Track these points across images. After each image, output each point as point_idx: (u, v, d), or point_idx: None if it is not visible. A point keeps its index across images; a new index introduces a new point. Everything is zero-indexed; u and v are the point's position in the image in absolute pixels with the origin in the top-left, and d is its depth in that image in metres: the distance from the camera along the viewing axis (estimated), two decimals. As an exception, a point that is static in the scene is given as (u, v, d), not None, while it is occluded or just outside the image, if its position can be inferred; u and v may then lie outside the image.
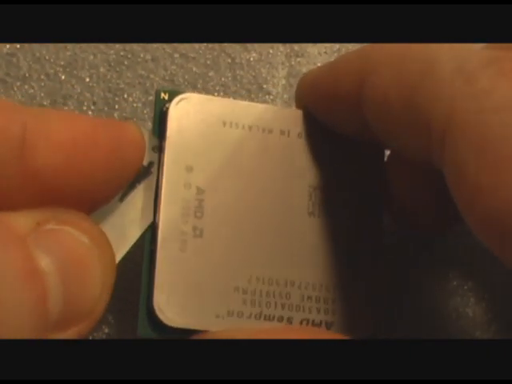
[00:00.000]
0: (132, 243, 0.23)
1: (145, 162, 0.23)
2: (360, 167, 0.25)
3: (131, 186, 0.23)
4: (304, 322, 0.24)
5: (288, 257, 0.24)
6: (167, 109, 0.24)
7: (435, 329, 0.28)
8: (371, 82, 0.22)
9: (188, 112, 0.24)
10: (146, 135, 0.23)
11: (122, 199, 0.23)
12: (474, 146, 0.19)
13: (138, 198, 0.23)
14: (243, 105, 0.25)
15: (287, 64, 0.28)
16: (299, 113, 0.25)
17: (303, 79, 0.26)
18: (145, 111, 0.29)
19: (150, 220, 0.23)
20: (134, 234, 0.23)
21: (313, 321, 0.24)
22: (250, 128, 0.25)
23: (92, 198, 0.21)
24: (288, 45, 0.29)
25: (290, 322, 0.24)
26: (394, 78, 0.21)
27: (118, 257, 0.22)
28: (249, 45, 0.29)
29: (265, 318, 0.24)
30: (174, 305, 0.23)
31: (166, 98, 0.25)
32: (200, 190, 0.24)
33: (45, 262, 0.19)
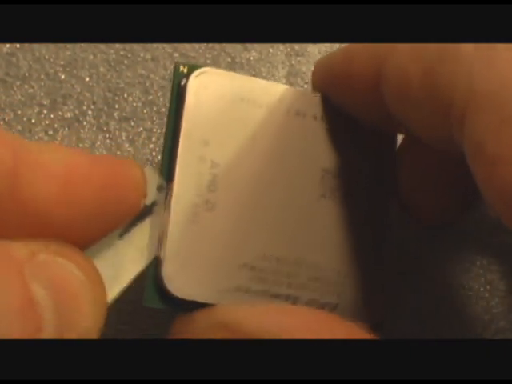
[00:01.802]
0: (127, 283, 0.22)
1: (148, 202, 0.23)
2: (373, 154, 0.25)
3: (132, 223, 0.23)
4: (310, 302, 0.24)
5: (298, 237, 0.24)
6: (186, 83, 0.24)
7: (435, 328, 0.28)
8: (390, 62, 0.22)
9: (207, 86, 0.24)
10: (152, 174, 0.23)
11: (121, 236, 0.22)
12: (493, 120, 0.19)
13: (138, 237, 0.23)
14: (263, 83, 0.25)
15: (287, 63, 0.28)
16: (317, 96, 0.25)
17: (319, 62, 0.26)
18: (145, 111, 0.29)
19: (148, 260, 0.23)
20: (129, 273, 0.22)
21: (318, 302, 0.24)
22: (268, 107, 0.25)
23: (85, 234, 0.21)
24: (288, 44, 0.29)
25: (296, 302, 0.24)
26: (413, 57, 0.21)
27: (111, 295, 0.22)
28: (249, 44, 0.29)
29: (271, 296, 0.24)
30: (182, 275, 0.23)
31: (185, 71, 0.25)
32: (215, 164, 0.24)
33: (40, 294, 0.19)
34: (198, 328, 0.22)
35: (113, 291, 0.22)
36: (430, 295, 0.29)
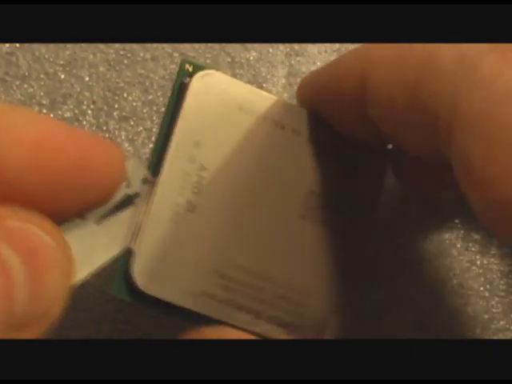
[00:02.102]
0: (95, 268, 0.22)
1: (131, 192, 0.23)
2: (360, 175, 0.25)
3: (112, 211, 0.23)
4: (272, 320, 0.24)
5: (272, 253, 0.24)
6: (189, 82, 0.24)
7: (436, 328, 0.28)
8: (373, 83, 0.22)
9: (209, 89, 0.24)
10: (138, 165, 0.23)
11: (98, 222, 0.22)
12: (480, 136, 0.19)
13: (116, 225, 0.23)
14: (264, 95, 0.25)
15: (287, 63, 0.28)
16: (313, 114, 0.25)
17: (305, 81, 0.26)
18: (144, 110, 0.29)
19: (121, 250, 0.23)
20: (100, 259, 0.22)
21: (281, 320, 0.24)
22: (265, 119, 0.25)
23: (56, 207, 0.21)
24: (288, 44, 0.29)
25: (259, 317, 0.24)
26: (395, 76, 0.21)
27: (79, 277, 0.21)
28: (248, 44, 0.29)
29: (235, 307, 0.24)
30: (151, 272, 0.23)
31: (190, 70, 0.25)
32: (202, 167, 0.24)
33: (8, 254, 0.19)
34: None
35: (81, 273, 0.22)
36: (430, 295, 0.29)
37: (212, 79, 0.24)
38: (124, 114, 0.29)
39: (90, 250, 0.22)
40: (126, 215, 0.23)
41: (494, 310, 0.29)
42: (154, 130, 0.29)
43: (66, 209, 0.21)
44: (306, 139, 0.25)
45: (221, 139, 0.24)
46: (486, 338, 0.28)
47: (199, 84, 0.24)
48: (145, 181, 0.23)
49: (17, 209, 0.19)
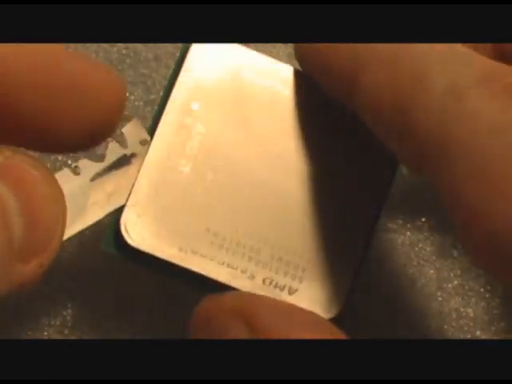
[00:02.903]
0: (89, 224, 0.23)
1: (128, 152, 0.23)
2: (367, 147, 0.25)
3: (107, 169, 0.23)
4: (267, 281, 0.24)
5: (269, 217, 0.24)
6: (187, 50, 0.25)
7: (436, 328, 0.28)
8: (366, 78, 0.21)
9: (209, 55, 0.25)
10: (137, 126, 0.23)
11: (93, 179, 0.23)
12: (469, 170, 0.19)
13: (110, 183, 0.23)
14: (265, 59, 0.25)
15: (289, 63, 0.28)
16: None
17: (303, 50, 0.25)
18: (146, 110, 0.29)
19: (114, 207, 0.23)
20: (93, 215, 0.23)
21: (276, 283, 0.24)
22: (266, 83, 0.25)
23: (55, 134, 0.20)
24: (290, 44, 0.29)
25: (253, 277, 0.24)
26: (386, 83, 0.21)
27: (73, 231, 0.22)
28: (251, 44, 0.29)
29: (228, 266, 0.24)
30: (140, 227, 0.23)
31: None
32: (199, 128, 0.24)
33: (1, 189, 0.19)
34: (219, 312, 0.22)
35: (75, 227, 0.22)
36: (431, 295, 0.29)
37: (211, 47, 0.25)
38: (126, 113, 0.29)
39: (85, 205, 0.22)
40: (120, 174, 0.23)
41: (494, 312, 0.29)
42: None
43: (66, 137, 0.21)
44: (309, 105, 0.25)
45: (220, 103, 0.24)
46: (486, 338, 0.28)
47: (198, 51, 0.25)
48: (143, 142, 0.23)
49: (3, 147, 0.19)
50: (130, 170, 0.23)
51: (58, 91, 0.20)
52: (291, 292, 0.24)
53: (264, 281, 0.24)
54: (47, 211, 0.20)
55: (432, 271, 0.29)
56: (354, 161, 0.25)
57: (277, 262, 0.24)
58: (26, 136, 0.20)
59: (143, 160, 0.24)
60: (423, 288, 0.29)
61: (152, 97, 0.29)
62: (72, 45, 0.29)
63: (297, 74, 0.25)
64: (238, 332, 0.21)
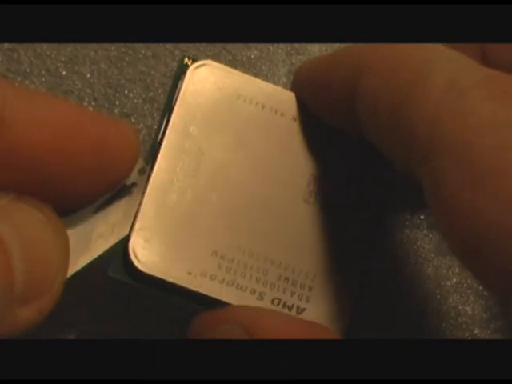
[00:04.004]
0: (94, 257, 0.23)
1: (128, 182, 0.23)
2: (365, 165, 0.25)
3: (109, 201, 0.23)
4: (275, 301, 0.24)
5: (274, 236, 0.24)
6: (185, 72, 0.25)
7: (435, 327, 0.28)
8: (363, 85, 0.22)
9: (206, 78, 0.25)
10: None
11: (96, 211, 0.23)
12: (454, 163, 0.19)
13: (113, 214, 0.23)
14: (262, 83, 0.25)
15: (288, 62, 0.28)
16: None
17: (300, 69, 0.26)
18: (145, 107, 0.29)
19: (118, 239, 0.23)
20: (98, 248, 0.23)
21: (285, 302, 0.24)
22: (263, 107, 0.25)
23: (69, 192, 0.21)
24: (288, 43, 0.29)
25: (262, 298, 0.24)
26: (385, 84, 0.21)
27: (79, 266, 0.22)
28: (249, 42, 0.29)
29: (237, 287, 0.24)
30: (149, 251, 0.23)
31: (189, 64, 0.25)
32: (200, 152, 0.24)
33: (4, 232, 0.19)
34: (218, 326, 0.22)
35: (81, 261, 0.22)
36: (429, 293, 0.29)
37: (208, 69, 0.25)
38: (125, 110, 0.29)
39: (88, 240, 0.22)
40: (122, 204, 0.23)
41: (493, 310, 0.29)
42: (155, 127, 0.29)
43: (85, 192, 0.21)
44: (306, 126, 0.25)
45: (219, 126, 0.25)
46: (485, 337, 0.28)
47: (196, 73, 0.25)
48: (141, 171, 0.23)
49: (7, 191, 0.19)
50: (131, 199, 0.23)
51: (82, 155, 0.20)
52: (299, 312, 0.24)
53: (273, 301, 0.24)
54: (50, 257, 0.20)
55: (430, 269, 0.29)
56: (351, 177, 0.25)
57: (284, 282, 0.24)
58: (46, 196, 0.20)
59: (143, 189, 0.24)
60: (422, 286, 0.29)
61: (151, 94, 0.29)
62: (71, 44, 0.29)
63: (293, 98, 0.25)
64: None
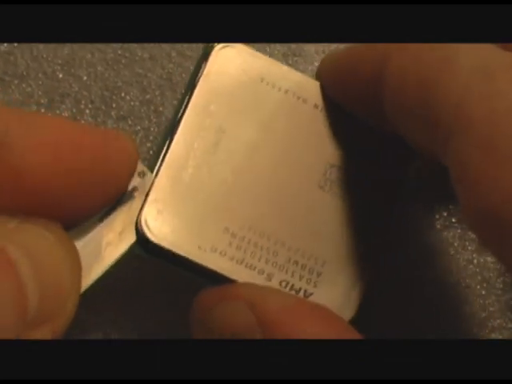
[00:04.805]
0: (108, 266, 0.23)
1: (129, 187, 0.23)
2: (382, 155, 0.25)
3: (112, 208, 0.23)
4: (283, 284, 0.24)
5: (287, 219, 0.24)
6: (209, 52, 0.25)
7: (432, 326, 0.28)
8: (392, 65, 0.22)
9: (231, 59, 0.25)
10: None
11: (101, 220, 0.23)
12: (480, 143, 0.19)
13: (118, 221, 0.23)
14: (287, 69, 0.26)
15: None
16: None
17: (325, 58, 0.26)
18: (142, 110, 0.29)
19: (128, 244, 0.23)
20: (109, 257, 0.23)
21: (292, 285, 0.24)
22: (286, 92, 0.25)
23: (77, 207, 0.21)
24: (285, 44, 0.29)
25: (270, 279, 0.24)
26: (414, 64, 0.21)
27: (93, 278, 0.22)
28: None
29: (246, 266, 0.24)
30: (160, 222, 0.23)
31: (215, 45, 0.25)
32: (221, 130, 0.24)
33: (15, 255, 0.19)
34: (222, 302, 0.22)
35: (93, 273, 0.22)
36: (427, 293, 0.29)
37: (234, 51, 0.25)
38: (122, 113, 0.29)
39: (99, 248, 0.22)
40: (126, 209, 0.23)
41: (490, 309, 0.29)
42: (152, 129, 0.29)
43: (86, 209, 0.21)
44: (328, 115, 0.25)
45: (241, 107, 0.25)
46: (483, 336, 0.28)
47: (220, 54, 0.25)
48: (141, 174, 0.24)
49: (13, 213, 0.19)
50: (134, 204, 0.23)
51: (83, 172, 0.21)
52: (306, 295, 0.24)
53: (281, 283, 0.24)
54: (62, 278, 0.20)
55: (448, 263, 0.29)
56: (369, 168, 0.25)
57: (293, 265, 0.24)
58: (51, 215, 0.20)
59: (144, 191, 0.24)
60: (421, 287, 0.29)
61: (147, 97, 0.29)
62: (68, 45, 0.29)
63: (317, 86, 0.26)
64: (246, 318, 0.21)
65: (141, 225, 0.23)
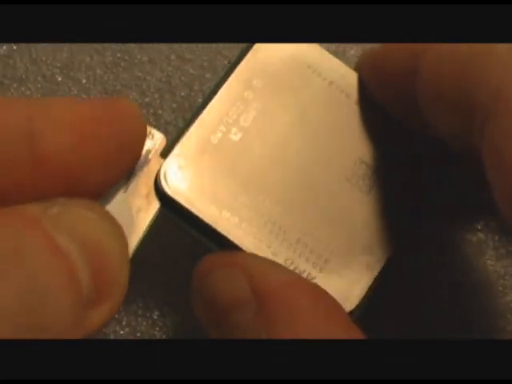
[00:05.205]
0: (143, 231, 0.23)
1: (143, 151, 0.24)
2: (415, 158, 0.25)
3: (132, 174, 0.23)
4: (288, 262, 0.24)
5: (303, 203, 0.25)
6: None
7: (432, 327, 0.28)
8: (426, 58, 0.22)
9: (277, 46, 0.25)
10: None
11: (125, 190, 0.23)
12: None
13: (141, 186, 0.23)
14: (336, 61, 0.26)
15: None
16: None
17: (362, 56, 0.26)
18: (141, 113, 0.29)
19: (156, 206, 0.23)
20: (143, 221, 0.23)
21: (297, 265, 0.24)
22: (331, 83, 0.25)
23: (101, 179, 0.22)
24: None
25: (276, 254, 0.24)
26: (447, 57, 0.21)
27: (132, 246, 0.22)
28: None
29: (255, 237, 0.24)
30: (179, 177, 0.24)
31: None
32: (258, 105, 0.25)
33: (63, 239, 0.19)
34: (221, 268, 0.22)
35: (132, 243, 0.22)
36: (426, 295, 0.29)
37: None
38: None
39: (131, 218, 0.23)
40: (145, 173, 0.24)
41: (490, 311, 0.29)
42: (151, 132, 0.29)
43: (112, 178, 0.22)
44: (367, 113, 0.25)
45: (283, 89, 0.25)
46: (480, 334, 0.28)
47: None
48: (150, 136, 0.24)
49: (54, 198, 0.20)
50: (151, 166, 0.24)
51: (102, 146, 0.21)
52: (309, 278, 0.24)
53: (286, 261, 0.24)
54: (111, 255, 0.20)
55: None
56: (398, 167, 0.25)
57: (302, 246, 0.24)
58: (81, 194, 0.21)
59: (158, 151, 0.24)
60: (421, 289, 0.29)
61: (147, 99, 0.29)
62: (67, 45, 0.29)
63: (359, 80, 0.26)
64: (241, 287, 0.21)
65: (159, 177, 0.24)
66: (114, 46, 0.30)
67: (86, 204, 0.20)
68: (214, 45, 0.29)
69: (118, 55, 0.30)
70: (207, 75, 0.30)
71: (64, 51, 0.29)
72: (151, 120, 0.29)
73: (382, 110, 0.25)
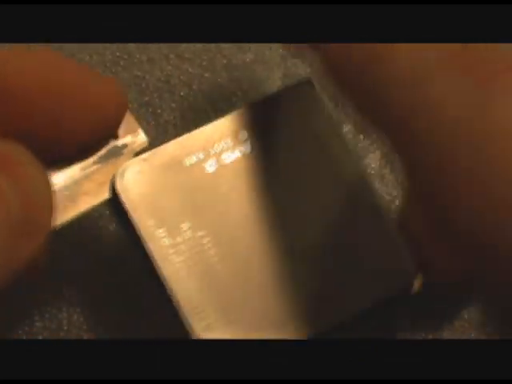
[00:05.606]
0: (79, 212, 0.23)
1: (119, 143, 0.23)
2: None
3: (98, 160, 0.23)
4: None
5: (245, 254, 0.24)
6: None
7: (431, 328, 0.28)
8: None
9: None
10: (128, 116, 0.24)
11: (84, 169, 0.23)
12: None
13: (100, 173, 0.23)
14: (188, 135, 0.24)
15: (282, 65, 0.28)
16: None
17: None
18: (140, 112, 0.29)
19: (104, 197, 0.23)
20: (84, 204, 0.23)
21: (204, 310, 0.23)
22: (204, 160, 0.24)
23: (59, 137, 0.22)
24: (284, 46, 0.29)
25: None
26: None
27: (64, 218, 0.23)
28: (245, 46, 0.29)
29: (175, 266, 0.23)
30: (135, 180, 0.23)
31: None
32: (244, 151, 0.24)
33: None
34: None
35: (67, 214, 0.23)
36: (426, 297, 0.29)
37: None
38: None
39: (75, 194, 0.23)
40: (112, 164, 0.23)
41: (489, 313, 0.29)
42: (150, 131, 0.29)
43: (72, 136, 0.22)
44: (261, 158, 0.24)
45: (278, 145, 0.24)
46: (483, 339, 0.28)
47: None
48: (134, 134, 0.24)
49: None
50: (121, 160, 0.23)
51: (66, 99, 0.21)
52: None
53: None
54: (38, 196, 0.20)
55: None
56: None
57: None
58: (35, 144, 0.21)
59: (134, 151, 0.24)
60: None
61: (146, 99, 0.29)
62: (67, 45, 0.29)
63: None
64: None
65: (117, 172, 0.23)
66: (113, 45, 0.30)
67: (19, 149, 0.20)
68: (213, 44, 0.29)
69: (117, 54, 0.30)
70: (206, 74, 0.30)
71: (63, 50, 0.29)
72: (150, 119, 0.29)
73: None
